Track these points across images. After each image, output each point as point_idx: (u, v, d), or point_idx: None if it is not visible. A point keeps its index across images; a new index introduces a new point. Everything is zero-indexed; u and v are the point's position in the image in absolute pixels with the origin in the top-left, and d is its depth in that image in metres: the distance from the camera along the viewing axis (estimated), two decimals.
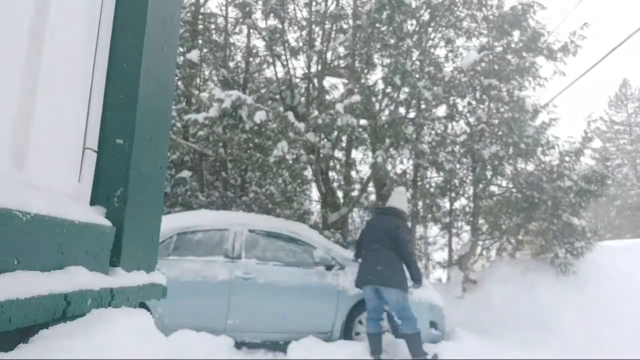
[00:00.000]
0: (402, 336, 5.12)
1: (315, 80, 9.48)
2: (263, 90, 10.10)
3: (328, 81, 10.04)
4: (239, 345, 5.48)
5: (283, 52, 9.44)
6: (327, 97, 9.52)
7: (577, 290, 7.27)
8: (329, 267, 5.73)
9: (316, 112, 7.63)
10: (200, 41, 10.50)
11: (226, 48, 10.52)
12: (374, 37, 8.12)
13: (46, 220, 0.89)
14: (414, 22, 8.64)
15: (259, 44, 10.44)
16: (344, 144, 9.30)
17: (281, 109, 7.61)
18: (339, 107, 7.09)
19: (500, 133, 8.33)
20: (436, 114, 9.06)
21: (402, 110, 8.67)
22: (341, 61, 9.72)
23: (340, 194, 9.66)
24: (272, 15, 8.98)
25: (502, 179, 9.11)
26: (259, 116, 6.80)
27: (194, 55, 9.35)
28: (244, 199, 9.67)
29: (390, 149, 8.17)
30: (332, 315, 5.59)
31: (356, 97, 7.20)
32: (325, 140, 8.24)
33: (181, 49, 9.70)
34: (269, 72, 10.51)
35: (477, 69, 8.26)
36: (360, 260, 5.44)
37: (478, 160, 8.50)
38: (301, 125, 7.19)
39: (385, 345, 5.27)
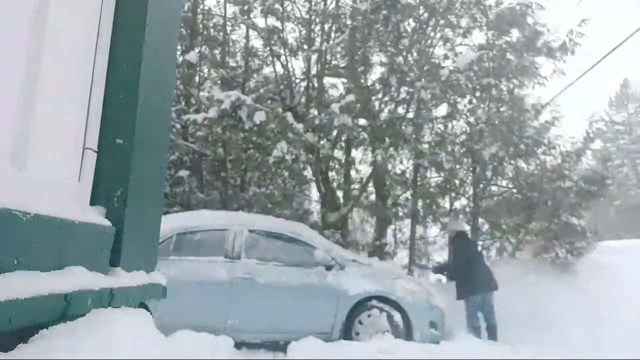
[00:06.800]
0: (492, 327, 6.31)
1: (315, 80, 9.47)
2: (262, 90, 10.07)
3: (327, 81, 10.03)
4: (239, 345, 5.47)
5: (282, 52, 9.43)
6: (326, 96, 9.50)
7: (577, 290, 7.26)
8: (329, 267, 5.73)
9: (315, 112, 7.64)
10: (199, 38, 10.46)
11: (225, 46, 10.50)
12: (371, 37, 8.11)
13: (46, 220, 0.89)
14: (411, 22, 8.63)
15: (258, 43, 10.43)
16: (343, 144, 9.29)
17: (280, 109, 7.60)
18: (335, 107, 7.09)
19: (500, 133, 8.32)
20: (435, 114, 9.05)
21: (401, 110, 8.67)
22: (341, 61, 9.71)
23: (340, 193, 9.66)
24: (269, 14, 8.99)
25: (502, 179, 9.10)
26: (259, 117, 6.80)
27: (192, 56, 9.34)
28: (243, 196, 9.65)
29: (390, 149, 8.17)
30: (332, 316, 5.58)
31: (350, 97, 7.20)
32: (324, 140, 8.24)
33: (180, 47, 9.67)
34: (268, 72, 10.49)
35: (475, 69, 8.24)
36: (462, 272, 6.57)
37: (478, 160, 8.49)
38: (300, 126, 7.19)
39: (385, 345, 5.26)
